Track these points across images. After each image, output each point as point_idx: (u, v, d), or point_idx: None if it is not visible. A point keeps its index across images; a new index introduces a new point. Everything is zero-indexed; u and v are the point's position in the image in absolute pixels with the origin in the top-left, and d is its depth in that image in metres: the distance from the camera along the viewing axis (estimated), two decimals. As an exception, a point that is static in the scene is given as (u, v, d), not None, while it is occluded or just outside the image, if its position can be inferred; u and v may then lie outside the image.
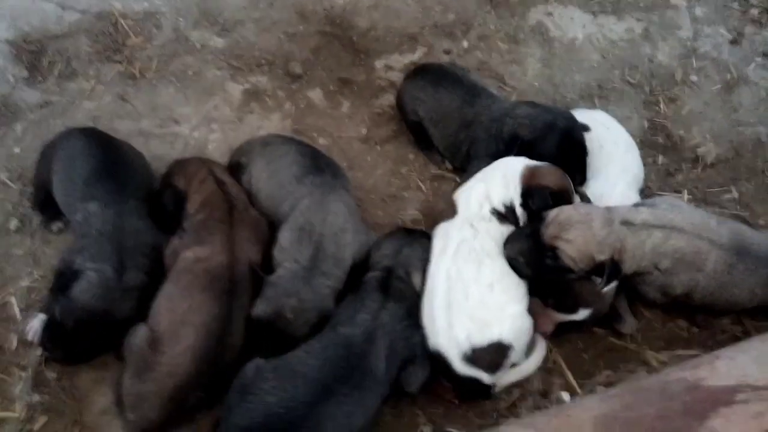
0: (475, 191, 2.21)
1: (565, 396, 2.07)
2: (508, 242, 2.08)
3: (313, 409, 1.73)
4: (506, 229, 2.16)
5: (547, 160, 2.27)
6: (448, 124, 2.58)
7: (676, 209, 2.17)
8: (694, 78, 3.13)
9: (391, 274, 2.08)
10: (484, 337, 1.96)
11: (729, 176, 2.76)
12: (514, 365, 2.06)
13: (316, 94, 2.94)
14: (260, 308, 1.99)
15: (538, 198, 2.14)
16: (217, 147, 2.72)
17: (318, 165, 2.31)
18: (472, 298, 2.00)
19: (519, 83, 3.05)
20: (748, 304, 2.21)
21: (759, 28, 3.32)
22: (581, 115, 2.56)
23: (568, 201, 2.16)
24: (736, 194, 2.70)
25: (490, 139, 2.45)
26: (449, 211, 2.23)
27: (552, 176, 2.20)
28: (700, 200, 2.66)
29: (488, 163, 2.38)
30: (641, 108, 2.98)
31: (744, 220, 2.53)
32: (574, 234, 1.98)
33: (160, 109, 2.81)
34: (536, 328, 2.10)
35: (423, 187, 2.66)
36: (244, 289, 2.04)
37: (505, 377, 2.06)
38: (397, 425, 2.04)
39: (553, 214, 2.04)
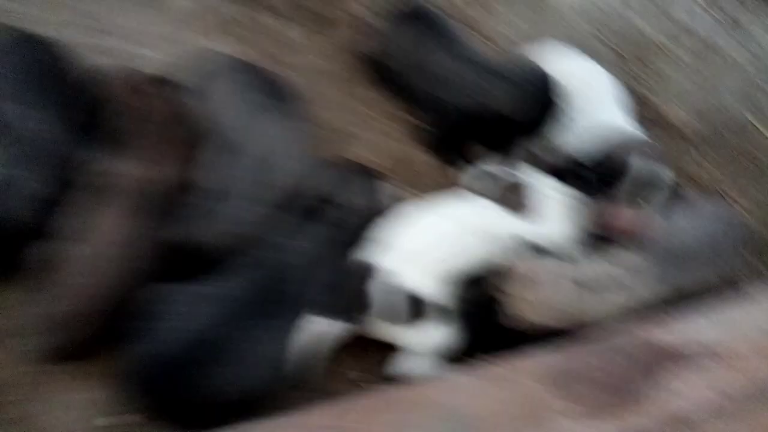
0: None
1: None
2: (466, 285, 1.89)
3: (224, 329, 1.60)
4: None
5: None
6: (419, 73, 2.43)
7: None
8: (674, 49, 3.02)
9: (330, 201, 1.95)
10: (428, 293, 1.83)
11: (703, 152, 2.68)
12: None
13: (272, 20, 2.74)
14: (173, 230, 1.82)
15: None
16: (160, 68, 2.49)
17: (269, 87, 2.15)
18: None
19: (503, 41, 2.90)
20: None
21: (733, -2, 3.24)
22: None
23: None
24: (709, 170, 2.62)
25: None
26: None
27: None
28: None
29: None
30: (617, 75, 2.85)
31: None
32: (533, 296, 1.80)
33: (91, 17, 2.55)
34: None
35: (381, 128, 2.50)
36: (169, 211, 1.86)
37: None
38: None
39: (516, 265, 1.85)
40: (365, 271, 1.83)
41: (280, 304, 1.70)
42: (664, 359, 1.58)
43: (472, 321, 1.87)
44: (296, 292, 1.75)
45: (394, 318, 1.81)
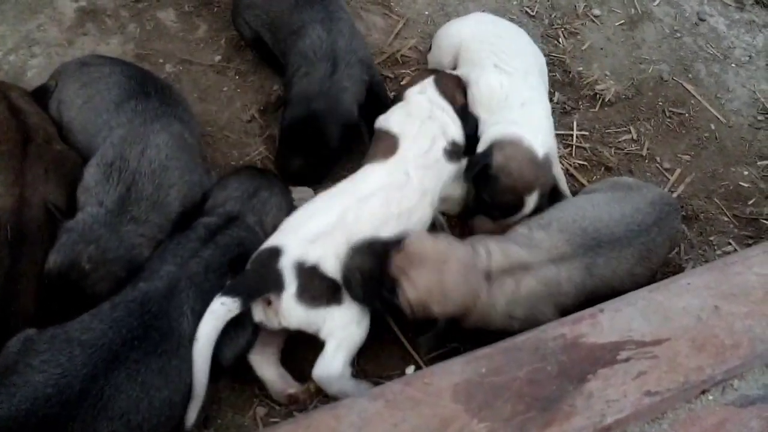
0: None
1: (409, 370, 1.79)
2: (355, 251, 1.66)
3: (94, 383, 1.37)
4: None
5: None
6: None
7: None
8: (596, 12, 2.87)
9: (235, 221, 1.74)
10: (332, 269, 1.66)
11: (628, 116, 2.53)
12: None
13: (167, 15, 2.48)
14: (52, 259, 1.60)
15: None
16: (39, 74, 2.24)
17: (145, 89, 1.89)
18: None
19: (407, 10, 2.70)
20: (632, 287, 1.75)
21: (665, -39, 3.10)
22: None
23: None
24: (634, 134, 2.47)
25: None
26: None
27: None
28: (597, 141, 2.43)
29: None
30: (539, 41, 2.69)
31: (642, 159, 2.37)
32: (419, 275, 1.57)
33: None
34: None
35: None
36: (37, 240, 1.64)
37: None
38: (233, 403, 1.71)
39: (409, 240, 1.62)
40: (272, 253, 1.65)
41: (165, 339, 1.49)
42: (597, 365, 1.43)
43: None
44: (186, 325, 1.54)
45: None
